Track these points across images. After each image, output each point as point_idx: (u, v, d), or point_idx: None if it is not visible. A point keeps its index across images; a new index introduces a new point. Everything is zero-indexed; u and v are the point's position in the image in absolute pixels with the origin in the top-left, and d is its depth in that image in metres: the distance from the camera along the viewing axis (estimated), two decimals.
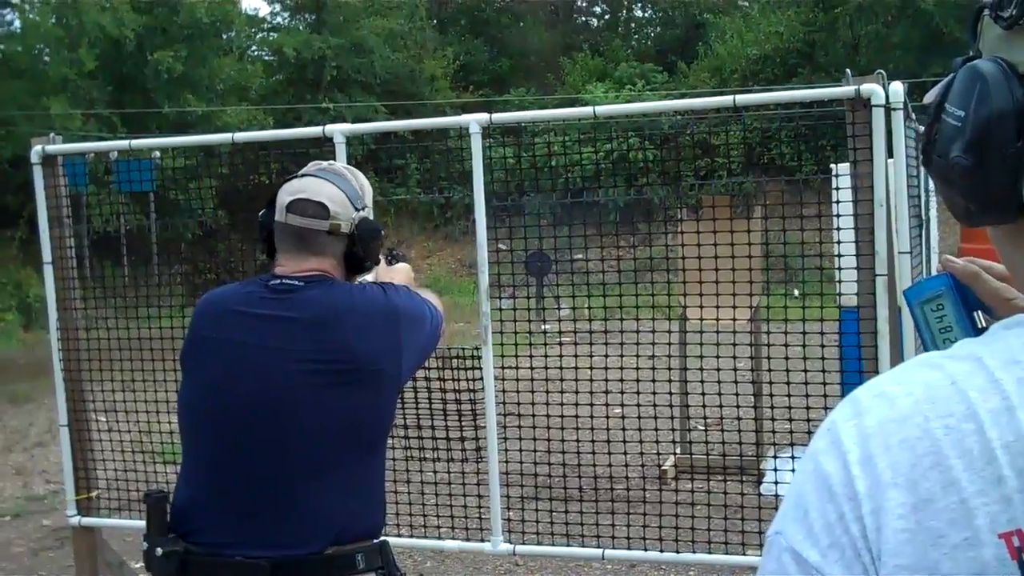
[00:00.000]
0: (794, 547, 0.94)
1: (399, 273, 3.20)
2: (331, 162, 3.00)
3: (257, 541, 2.56)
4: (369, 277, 3.01)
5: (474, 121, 4.43)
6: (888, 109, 3.84)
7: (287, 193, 2.76)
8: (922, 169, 4.99)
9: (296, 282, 2.68)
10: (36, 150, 5.03)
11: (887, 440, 0.92)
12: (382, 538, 2.75)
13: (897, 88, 3.86)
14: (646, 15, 40.17)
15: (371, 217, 2.87)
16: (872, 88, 3.82)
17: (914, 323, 1.49)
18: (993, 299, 1.34)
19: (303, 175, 2.83)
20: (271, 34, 32.47)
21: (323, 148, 4.74)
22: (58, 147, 5.07)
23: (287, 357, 2.60)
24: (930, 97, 1.25)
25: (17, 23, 22.71)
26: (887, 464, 0.91)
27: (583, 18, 41.50)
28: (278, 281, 2.70)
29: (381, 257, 3.16)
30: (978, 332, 1.37)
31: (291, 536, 2.56)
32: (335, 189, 2.76)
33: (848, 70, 4.03)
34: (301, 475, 2.59)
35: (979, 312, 1.42)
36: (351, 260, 2.80)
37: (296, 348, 2.61)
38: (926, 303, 1.47)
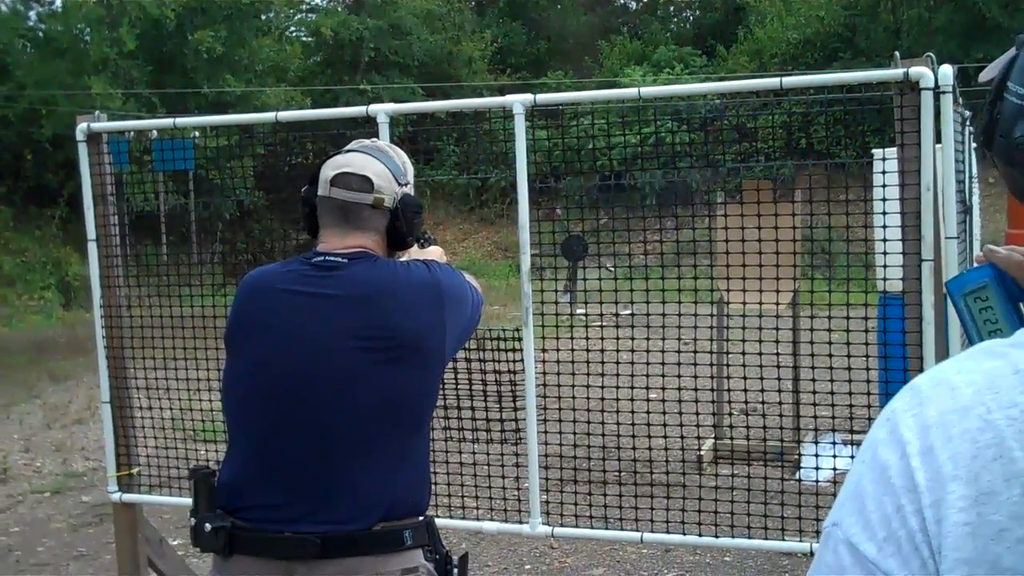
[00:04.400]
0: (851, 539, 0.92)
1: (431, 256, 3.20)
2: (374, 140, 3.02)
3: (306, 517, 2.57)
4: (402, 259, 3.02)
5: (518, 102, 4.39)
6: (937, 93, 3.80)
7: (331, 168, 2.78)
8: (967, 154, 4.93)
9: (340, 259, 2.69)
10: (81, 128, 5.03)
11: (948, 431, 0.90)
12: (428, 515, 2.76)
13: (946, 71, 3.81)
14: None
15: (413, 194, 2.88)
16: (921, 71, 3.77)
17: (958, 316, 1.47)
18: None
19: (347, 151, 2.85)
20: (309, 15, 32.55)
21: (365, 129, 4.74)
22: (103, 124, 5.08)
23: (333, 335, 2.61)
24: (988, 74, 1.22)
25: (58, 2, 22.89)
26: (948, 456, 0.89)
27: (621, 1, 41.33)
28: (321, 258, 2.71)
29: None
30: None
31: (340, 512, 2.57)
32: (379, 164, 2.78)
33: (897, 53, 3.98)
34: (349, 452, 2.60)
35: None
36: (393, 235, 2.81)
37: (342, 325, 2.61)
38: (970, 294, 1.45)
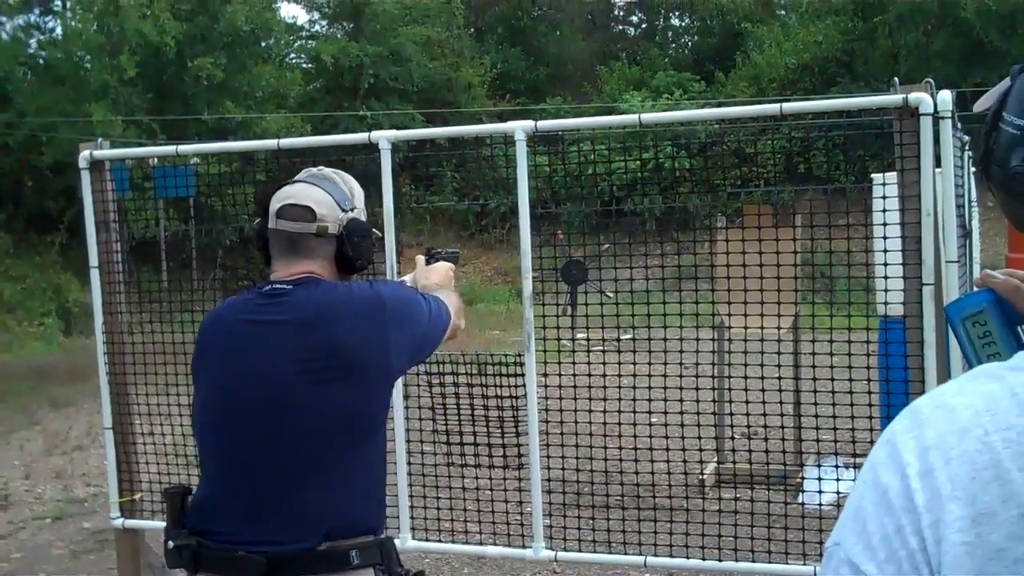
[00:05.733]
0: (852, 559, 0.93)
1: (436, 272, 3.32)
2: (321, 168, 3.10)
3: (259, 537, 2.66)
4: (407, 276, 3.11)
5: (519, 128, 4.42)
6: (936, 118, 3.82)
7: (277, 200, 2.87)
8: (966, 178, 4.94)
9: (286, 286, 2.79)
10: (84, 155, 5.05)
11: (947, 452, 0.91)
12: (384, 535, 2.82)
13: (945, 97, 3.83)
14: (683, 24, 40.03)
15: (363, 219, 2.97)
16: (920, 96, 3.80)
17: (957, 340, 1.48)
18: None
19: (293, 181, 2.95)
20: (309, 42, 32.64)
21: (365, 155, 4.75)
22: (105, 152, 5.10)
23: (279, 359, 2.70)
24: (983, 104, 1.23)
25: (59, 30, 22.95)
26: (947, 477, 0.90)
27: (620, 27, 41.44)
28: (270, 287, 2.81)
29: (420, 256, 3.43)
30: (1022, 346, 1.36)
31: (286, 532, 2.66)
32: (322, 193, 2.87)
33: (896, 79, 4.00)
34: (295, 472, 2.69)
35: (1022, 326, 1.41)
36: (342, 260, 2.90)
37: (286, 349, 2.70)
38: (968, 319, 1.46)
